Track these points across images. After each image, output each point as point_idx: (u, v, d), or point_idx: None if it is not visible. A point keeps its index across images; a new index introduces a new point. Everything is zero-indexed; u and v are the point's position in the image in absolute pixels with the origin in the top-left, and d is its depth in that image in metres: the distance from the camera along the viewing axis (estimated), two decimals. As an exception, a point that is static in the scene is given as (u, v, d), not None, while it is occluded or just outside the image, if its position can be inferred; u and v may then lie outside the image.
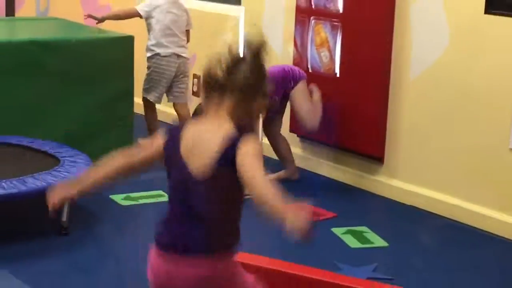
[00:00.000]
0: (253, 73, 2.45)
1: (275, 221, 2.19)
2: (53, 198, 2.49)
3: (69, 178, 4.05)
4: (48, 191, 2.50)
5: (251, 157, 2.32)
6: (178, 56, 5.71)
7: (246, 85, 2.43)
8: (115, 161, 2.54)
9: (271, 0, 5.65)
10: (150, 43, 5.78)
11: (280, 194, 2.21)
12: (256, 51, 2.46)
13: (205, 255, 2.40)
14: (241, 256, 2.80)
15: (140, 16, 5.73)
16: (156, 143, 2.50)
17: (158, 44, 5.70)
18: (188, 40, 5.85)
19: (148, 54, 5.81)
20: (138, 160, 2.54)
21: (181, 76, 5.75)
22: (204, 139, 2.41)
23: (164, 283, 2.49)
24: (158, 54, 5.70)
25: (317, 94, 5.01)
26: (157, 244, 2.46)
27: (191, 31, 5.91)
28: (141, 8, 5.86)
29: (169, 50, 5.69)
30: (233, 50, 2.46)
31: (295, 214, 2.12)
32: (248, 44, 2.49)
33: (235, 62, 2.43)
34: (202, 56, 5.97)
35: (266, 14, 5.70)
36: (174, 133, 2.47)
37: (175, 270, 2.44)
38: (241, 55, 2.47)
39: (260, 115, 2.56)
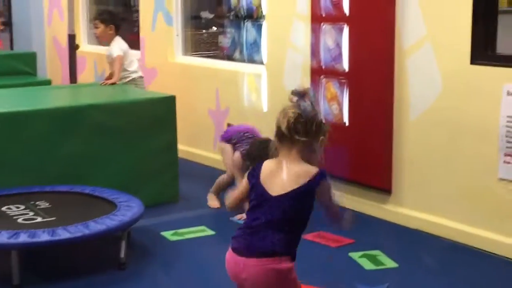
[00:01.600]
0: (311, 123, 2.83)
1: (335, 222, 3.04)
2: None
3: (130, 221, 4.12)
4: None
5: (327, 192, 2.89)
6: None
7: (308, 134, 2.82)
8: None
9: (290, 60, 5.65)
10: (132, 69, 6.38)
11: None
12: (310, 102, 2.88)
13: (271, 257, 2.74)
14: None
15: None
16: (245, 181, 2.94)
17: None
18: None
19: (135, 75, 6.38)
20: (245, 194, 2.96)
21: None
22: (280, 172, 2.83)
23: (237, 275, 2.84)
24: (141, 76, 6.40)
25: None
26: (232, 246, 2.85)
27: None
28: (119, 53, 6.29)
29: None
30: (291, 113, 2.82)
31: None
32: (301, 96, 2.90)
33: (296, 120, 2.80)
34: (234, 107, 6.10)
35: (286, 73, 5.73)
36: (255, 170, 2.89)
37: (243, 266, 2.78)
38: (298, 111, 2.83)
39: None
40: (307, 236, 4.62)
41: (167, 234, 4.70)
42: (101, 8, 8.58)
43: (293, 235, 2.85)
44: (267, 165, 2.89)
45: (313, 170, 2.84)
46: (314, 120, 2.85)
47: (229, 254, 2.87)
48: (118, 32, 6.58)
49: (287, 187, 2.80)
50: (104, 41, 6.79)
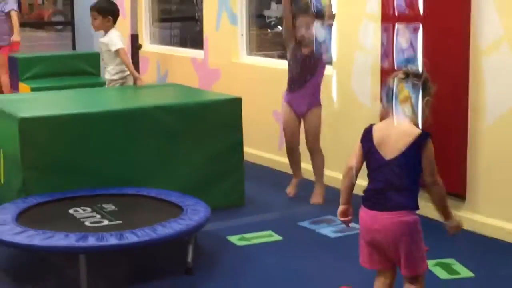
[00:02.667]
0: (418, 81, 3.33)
1: (440, 215, 3.37)
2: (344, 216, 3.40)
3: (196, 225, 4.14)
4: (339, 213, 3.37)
5: (432, 156, 3.17)
6: None
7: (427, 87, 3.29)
8: (355, 169, 3.30)
9: (358, 61, 5.63)
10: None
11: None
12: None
13: (400, 210, 3.14)
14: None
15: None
16: (359, 146, 3.31)
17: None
18: None
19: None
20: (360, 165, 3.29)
21: None
22: (391, 134, 3.20)
23: (370, 226, 3.22)
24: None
25: None
26: (363, 204, 3.24)
27: None
28: (122, 45, 6.53)
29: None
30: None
31: (458, 222, 3.35)
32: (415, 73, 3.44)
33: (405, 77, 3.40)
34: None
35: (354, 74, 5.70)
36: (366, 136, 3.27)
37: (377, 218, 3.17)
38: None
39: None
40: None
41: (234, 239, 4.71)
42: (163, 7, 8.67)
43: (413, 189, 3.20)
44: (378, 129, 3.28)
45: (416, 131, 3.19)
46: (421, 77, 3.30)
47: (363, 211, 3.25)
48: (115, 23, 6.69)
49: (398, 149, 3.15)
50: (98, 30, 6.95)
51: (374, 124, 3.34)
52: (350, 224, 3.47)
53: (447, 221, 3.34)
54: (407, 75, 3.38)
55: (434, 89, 3.33)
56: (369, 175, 3.28)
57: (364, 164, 3.29)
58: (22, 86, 7.80)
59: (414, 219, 3.20)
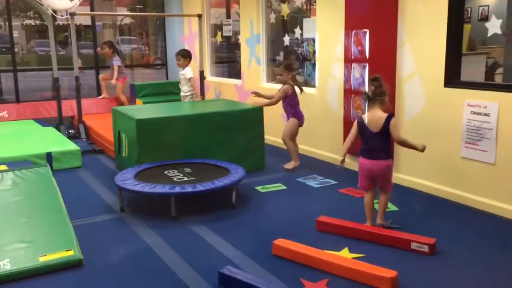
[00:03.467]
0: (382, 91, 3.49)
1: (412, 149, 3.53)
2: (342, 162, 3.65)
3: (237, 180, 4.15)
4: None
5: (394, 127, 3.45)
6: None
7: (381, 95, 3.48)
8: (351, 138, 3.58)
9: (331, 85, 5.57)
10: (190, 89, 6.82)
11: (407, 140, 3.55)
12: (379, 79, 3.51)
13: (384, 159, 3.51)
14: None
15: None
16: (355, 127, 3.57)
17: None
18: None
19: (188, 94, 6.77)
20: (356, 136, 3.57)
21: None
22: (375, 118, 3.47)
23: (369, 169, 3.54)
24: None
25: None
26: (362, 156, 3.56)
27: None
28: (192, 75, 6.90)
29: None
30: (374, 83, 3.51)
31: (422, 145, 3.51)
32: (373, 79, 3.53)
33: (375, 90, 3.49)
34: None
35: (329, 93, 5.63)
36: (360, 121, 3.55)
37: (372, 164, 3.53)
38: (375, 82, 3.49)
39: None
40: (342, 190, 4.57)
41: (259, 188, 4.71)
42: (218, 54, 8.65)
43: (388, 148, 3.54)
44: (367, 116, 3.50)
45: (385, 115, 3.47)
46: (382, 88, 3.49)
47: (363, 159, 3.56)
48: (189, 62, 7.01)
49: (378, 127, 3.45)
50: (180, 67, 7.10)
51: (362, 115, 3.58)
52: (341, 165, 3.67)
53: (419, 150, 3.52)
54: (370, 93, 3.54)
55: (387, 92, 3.55)
56: (363, 142, 3.55)
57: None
58: (138, 101, 7.85)
59: (391, 163, 3.59)
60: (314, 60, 6.02)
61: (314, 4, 5.84)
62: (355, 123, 3.60)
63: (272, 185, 4.78)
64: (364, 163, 3.56)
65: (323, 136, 5.77)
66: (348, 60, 5.18)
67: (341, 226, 3.55)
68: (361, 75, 5.04)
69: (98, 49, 8.55)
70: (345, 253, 3.24)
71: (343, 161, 3.63)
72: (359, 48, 4.99)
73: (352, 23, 5.06)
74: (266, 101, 5.31)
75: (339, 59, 5.40)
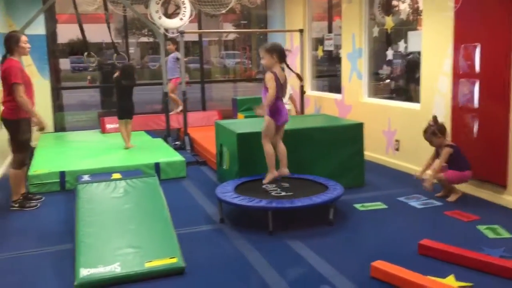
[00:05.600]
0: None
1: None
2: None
3: (336, 197, 4.09)
4: None
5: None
6: None
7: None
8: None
9: (437, 101, 5.31)
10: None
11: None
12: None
13: None
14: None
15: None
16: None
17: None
18: None
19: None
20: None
21: None
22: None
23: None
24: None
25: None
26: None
27: None
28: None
29: None
30: None
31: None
32: None
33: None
34: (399, 130, 5.81)
35: (434, 109, 5.38)
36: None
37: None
38: None
39: None
40: (448, 213, 4.33)
41: (357, 206, 4.60)
42: (318, 68, 8.63)
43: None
44: None
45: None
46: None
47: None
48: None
49: None
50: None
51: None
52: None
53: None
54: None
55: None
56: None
57: None
58: (239, 115, 8.06)
59: None
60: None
61: (421, 14, 5.62)
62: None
63: (371, 204, 4.65)
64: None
65: (429, 154, 5.50)
66: (457, 75, 4.90)
67: (446, 251, 3.35)
68: (470, 91, 4.74)
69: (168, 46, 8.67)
70: (450, 280, 3.04)
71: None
72: (468, 62, 4.71)
73: (462, 36, 4.80)
74: (267, 101, 4.42)
75: (446, 73, 5.13)
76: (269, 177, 4.53)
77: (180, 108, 8.30)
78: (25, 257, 3.61)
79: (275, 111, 4.46)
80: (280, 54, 4.36)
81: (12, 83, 4.46)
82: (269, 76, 4.34)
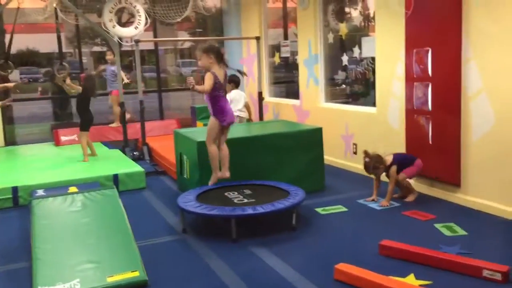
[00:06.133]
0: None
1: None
2: None
3: (297, 202, 4.11)
4: None
5: None
6: None
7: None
8: None
9: (392, 105, 5.44)
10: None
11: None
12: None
13: None
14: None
15: None
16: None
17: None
18: None
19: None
20: None
21: None
22: None
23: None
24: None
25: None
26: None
27: None
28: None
29: None
30: None
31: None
32: None
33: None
34: (357, 133, 5.91)
35: (389, 112, 5.51)
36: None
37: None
38: None
39: None
40: (406, 213, 4.44)
41: (319, 210, 4.65)
42: (276, 75, 8.69)
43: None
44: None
45: None
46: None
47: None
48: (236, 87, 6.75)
49: None
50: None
51: None
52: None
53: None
54: None
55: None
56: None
57: None
58: (198, 123, 8.01)
59: None
60: (371, 78, 5.94)
61: (373, 21, 5.77)
62: None
63: (332, 207, 4.70)
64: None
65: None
66: (410, 79, 5.06)
67: (406, 250, 3.43)
68: (424, 94, 4.89)
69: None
70: (411, 279, 3.12)
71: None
72: (421, 66, 4.87)
73: (413, 41, 4.95)
74: (201, 87, 4.38)
75: (399, 77, 5.28)
76: (213, 178, 4.58)
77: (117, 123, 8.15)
78: (-23, 278, 3.44)
79: (220, 110, 4.47)
80: (217, 53, 4.39)
81: None
82: (207, 76, 4.36)
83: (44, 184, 5.21)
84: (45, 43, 10.40)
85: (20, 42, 7.78)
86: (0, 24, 8.21)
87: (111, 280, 3.12)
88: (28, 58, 7.87)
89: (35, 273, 3.13)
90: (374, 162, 4.68)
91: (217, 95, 4.45)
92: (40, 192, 4.84)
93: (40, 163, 6.42)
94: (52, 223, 3.70)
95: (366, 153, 4.73)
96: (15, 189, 5.17)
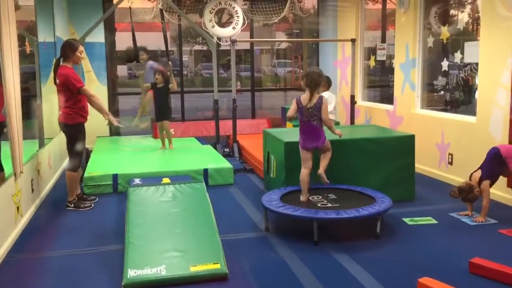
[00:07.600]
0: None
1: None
2: None
3: (383, 210, 4.01)
4: None
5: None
6: None
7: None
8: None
9: (494, 115, 5.10)
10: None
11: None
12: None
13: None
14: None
15: None
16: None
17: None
18: None
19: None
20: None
21: None
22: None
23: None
24: None
25: None
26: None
27: None
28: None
29: None
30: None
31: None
32: None
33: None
34: (453, 143, 5.62)
35: (491, 123, 5.17)
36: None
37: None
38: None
39: None
40: (503, 231, 4.15)
41: (406, 220, 4.49)
42: (370, 78, 8.51)
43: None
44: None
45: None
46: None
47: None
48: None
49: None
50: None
51: None
52: None
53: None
54: None
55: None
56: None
57: None
58: (288, 124, 8.03)
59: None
60: (474, 85, 5.61)
61: (480, 24, 5.44)
62: None
63: (421, 218, 4.52)
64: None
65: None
66: (516, 88, 4.71)
67: (500, 271, 3.20)
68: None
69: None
70: (502, 302, 2.91)
71: None
72: (529, 74, 4.52)
73: (522, 47, 4.61)
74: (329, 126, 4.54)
75: (504, 86, 4.93)
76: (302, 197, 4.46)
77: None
78: (78, 255, 3.76)
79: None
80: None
81: (79, 87, 4.71)
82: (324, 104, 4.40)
83: (141, 174, 5.56)
84: (151, 41, 11.09)
85: (128, 40, 8.35)
86: (111, 22, 8.83)
87: (193, 269, 3.26)
88: (135, 55, 8.46)
89: (126, 256, 3.36)
90: (466, 194, 4.37)
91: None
92: (137, 180, 5.16)
93: (139, 154, 6.85)
94: (145, 211, 3.93)
95: (456, 192, 4.43)
96: (115, 177, 5.57)
